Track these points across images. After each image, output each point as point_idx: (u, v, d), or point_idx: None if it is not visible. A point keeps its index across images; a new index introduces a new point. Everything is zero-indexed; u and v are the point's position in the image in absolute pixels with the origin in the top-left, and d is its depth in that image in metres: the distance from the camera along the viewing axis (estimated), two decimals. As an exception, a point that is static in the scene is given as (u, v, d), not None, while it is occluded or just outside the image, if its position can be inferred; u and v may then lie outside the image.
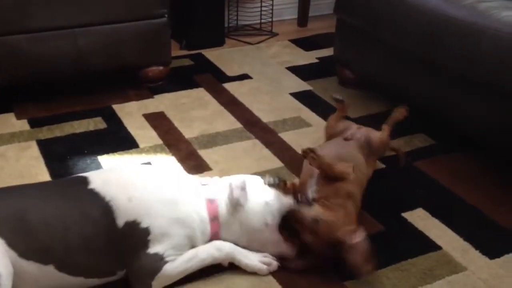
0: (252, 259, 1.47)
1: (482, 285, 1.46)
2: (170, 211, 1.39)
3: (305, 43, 2.98)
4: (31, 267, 1.30)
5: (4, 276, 1.21)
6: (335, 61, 2.55)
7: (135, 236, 1.36)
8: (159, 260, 1.37)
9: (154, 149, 2.01)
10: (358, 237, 1.40)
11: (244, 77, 2.58)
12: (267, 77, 2.59)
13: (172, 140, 2.07)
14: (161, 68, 2.44)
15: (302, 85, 2.52)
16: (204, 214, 1.44)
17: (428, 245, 1.59)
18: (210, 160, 1.95)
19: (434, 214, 1.71)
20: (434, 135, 2.14)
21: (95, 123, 2.16)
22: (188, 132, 2.12)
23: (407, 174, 1.92)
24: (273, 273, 1.47)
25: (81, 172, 1.83)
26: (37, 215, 1.31)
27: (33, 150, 1.98)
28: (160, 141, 2.06)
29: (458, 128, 2.05)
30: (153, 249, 1.37)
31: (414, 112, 2.22)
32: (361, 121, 2.23)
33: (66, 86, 2.42)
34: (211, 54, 2.81)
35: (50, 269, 1.32)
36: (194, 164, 1.93)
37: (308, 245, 1.44)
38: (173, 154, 1.98)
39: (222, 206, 1.47)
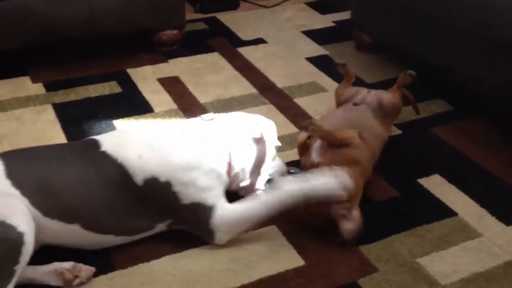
0: (326, 184, 1.38)
1: (498, 251, 1.46)
2: (180, 159, 1.38)
3: (321, 6, 2.92)
4: (55, 225, 1.32)
5: (28, 234, 1.22)
6: (351, 25, 2.51)
7: (160, 190, 1.37)
8: (201, 209, 1.38)
9: (169, 114, 2.00)
10: (354, 216, 1.40)
11: (258, 41, 2.55)
12: (282, 41, 2.56)
13: (187, 105, 2.06)
14: (175, 32, 2.42)
15: (318, 50, 2.49)
16: (215, 150, 1.44)
17: (443, 211, 1.59)
18: (225, 125, 1.94)
19: (450, 180, 1.70)
20: (452, 101, 2.10)
21: (110, 87, 2.16)
22: (203, 97, 2.11)
23: (424, 140, 1.90)
24: (288, 238, 1.48)
25: (97, 136, 1.85)
26: (59, 177, 1.32)
27: (49, 113, 1.99)
28: (175, 106, 2.05)
29: (476, 93, 2.01)
30: (186, 199, 1.38)
31: (431, 77, 2.19)
32: (377, 86, 2.20)
33: (81, 50, 2.41)
34: (225, 18, 2.77)
35: (75, 228, 1.34)
36: (209, 128, 1.92)
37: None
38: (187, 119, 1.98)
39: (232, 143, 1.48)
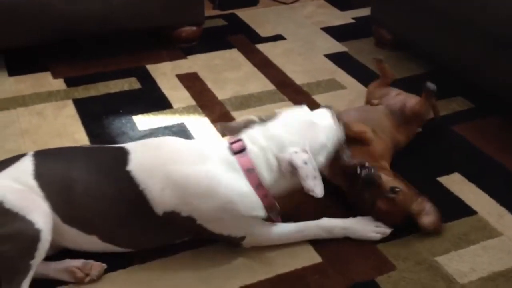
0: (362, 231, 1.45)
1: (518, 251, 1.44)
2: (208, 202, 1.31)
3: (340, 3, 2.91)
4: (74, 232, 1.33)
5: (45, 232, 1.24)
6: (371, 21, 2.49)
7: (181, 221, 1.33)
8: (232, 239, 1.39)
9: (187, 110, 2.01)
10: (429, 208, 1.46)
11: (277, 37, 2.55)
12: (301, 38, 2.55)
13: (205, 101, 2.07)
14: (194, 28, 2.42)
15: (337, 46, 2.48)
16: (246, 189, 1.33)
17: (463, 210, 1.57)
18: (243, 121, 1.95)
19: (470, 178, 1.68)
20: (473, 99, 2.08)
21: (130, 83, 2.17)
22: (221, 93, 2.12)
23: (444, 138, 1.88)
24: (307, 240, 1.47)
25: (117, 132, 1.88)
26: (82, 186, 1.31)
27: (70, 109, 2.01)
28: (193, 102, 2.06)
29: (496, 91, 1.98)
30: (216, 230, 1.36)
31: (451, 75, 2.16)
32: (397, 82, 2.18)
33: (101, 46, 2.43)
34: (244, 14, 2.78)
35: (94, 239, 1.35)
36: (227, 125, 1.93)
37: (380, 211, 1.45)
38: (206, 115, 1.99)
39: (263, 172, 1.35)
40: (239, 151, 1.35)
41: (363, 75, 2.23)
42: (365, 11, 2.72)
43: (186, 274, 1.37)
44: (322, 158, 1.41)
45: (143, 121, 1.95)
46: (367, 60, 2.33)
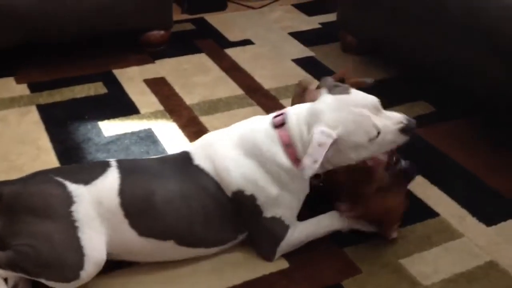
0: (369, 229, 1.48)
1: (479, 251, 1.48)
2: (261, 176, 1.36)
3: (308, 8, 2.94)
4: (149, 244, 1.33)
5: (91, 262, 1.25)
6: (338, 27, 2.52)
7: (245, 203, 1.37)
8: (280, 225, 1.40)
9: (155, 115, 2.00)
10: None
11: (246, 42, 2.56)
12: (270, 42, 2.57)
13: (173, 106, 2.06)
14: (162, 32, 2.41)
15: (305, 51, 2.50)
16: (286, 163, 1.35)
17: (426, 212, 1.60)
18: (211, 127, 1.95)
19: (433, 181, 1.72)
20: (435, 103, 2.12)
21: (96, 88, 2.15)
22: (189, 98, 2.11)
23: (407, 141, 1.91)
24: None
25: (83, 138, 1.85)
26: (162, 195, 1.32)
27: (33, 114, 1.98)
28: (161, 107, 2.05)
29: (459, 94, 2.03)
30: (269, 212, 1.38)
31: (415, 79, 2.21)
32: (362, 88, 2.21)
33: (66, 50, 2.40)
34: (213, 19, 2.78)
35: (169, 244, 1.34)
36: (195, 130, 1.93)
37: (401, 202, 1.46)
38: (174, 121, 1.98)
39: (299, 147, 1.34)
40: (280, 124, 1.37)
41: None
42: (331, 17, 2.75)
43: (152, 280, 1.36)
44: (353, 155, 1.32)
45: (109, 127, 1.93)
46: (334, 64, 2.36)
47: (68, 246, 1.23)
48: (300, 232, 1.43)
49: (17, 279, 1.29)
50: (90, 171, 1.33)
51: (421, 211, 1.61)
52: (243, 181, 1.36)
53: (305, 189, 1.42)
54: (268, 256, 1.43)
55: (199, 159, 1.39)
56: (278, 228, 1.40)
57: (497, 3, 1.72)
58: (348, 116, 1.29)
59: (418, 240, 1.50)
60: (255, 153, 1.37)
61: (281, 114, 1.40)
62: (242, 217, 1.40)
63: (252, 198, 1.37)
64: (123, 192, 1.30)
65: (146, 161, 1.42)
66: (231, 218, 1.39)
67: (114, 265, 1.38)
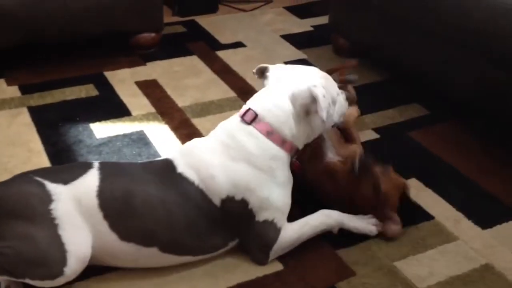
0: (360, 222, 1.48)
1: (474, 254, 1.48)
2: (252, 177, 1.36)
3: (300, 11, 2.94)
4: (132, 249, 1.31)
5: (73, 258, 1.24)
6: (330, 29, 2.52)
7: (236, 209, 1.35)
8: (273, 228, 1.38)
9: (146, 117, 1.99)
10: (397, 218, 1.53)
11: (237, 45, 2.55)
12: (261, 45, 2.56)
13: (165, 108, 2.05)
14: (153, 34, 2.40)
15: (297, 54, 2.50)
16: (274, 150, 1.38)
17: (420, 215, 1.60)
18: (203, 129, 1.93)
19: (427, 184, 1.72)
20: (428, 105, 2.13)
21: (87, 90, 2.13)
22: (181, 100, 2.10)
23: (400, 144, 1.92)
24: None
25: (74, 140, 1.84)
26: (141, 198, 1.30)
27: (24, 116, 1.95)
28: (153, 109, 2.04)
29: (451, 97, 2.04)
30: (261, 216, 1.37)
31: (408, 82, 2.21)
32: (355, 90, 2.22)
33: (57, 52, 2.38)
34: (204, 21, 2.77)
35: (153, 251, 1.32)
36: (187, 132, 1.91)
37: (383, 193, 1.47)
38: (166, 123, 1.96)
39: (283, 129, 1.39)
40: (253, 119, 1.39)
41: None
42: (323, 19, 2.76)
43: (145, 284, 1.35)
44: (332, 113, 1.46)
45: (101, 129, 1.91)
46: (326, 67, 2.35)
47: (49, 244, 1.22)
48: (292, 233, 1.42)
49: (8, 282, 1.27)
50: (71, 172, 1.32)
51: (415, 214, 1.60)
52: (231, 186, 1.35)
53: (290, 178, 1.43)
54: (261, 261, 1.41)
55: (183, 167, 1.36)
56: (271, 232, 1.39)
57: (487, 3, 1.73)
58: (322, 76, 1.45)
59: (413, 243, 1.50)
60: (242, 155, 1.36)
61: (247, 110, 1.41)
62: (232, 224, 1.38)
63: (243, 203, 1.36)
64: (102, 193, 1.29)
65: (128, 165, 1.41)
66: (220, 226, 1.37)
67: (105, 269, 1.36)
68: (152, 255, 1.33)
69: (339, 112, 1.51)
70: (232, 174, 1.35)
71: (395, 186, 1.50)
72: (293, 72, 1.46)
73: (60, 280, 1.24)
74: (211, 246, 1.39)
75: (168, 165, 1.38)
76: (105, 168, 1.34)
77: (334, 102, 1.46)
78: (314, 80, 1.41)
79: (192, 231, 1.34)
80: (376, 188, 1.46)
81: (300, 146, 1.46)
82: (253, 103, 1.44)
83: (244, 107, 1.44)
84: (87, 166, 1.34)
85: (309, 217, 1.45)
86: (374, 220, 1.50)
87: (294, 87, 1.41)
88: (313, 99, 1.37)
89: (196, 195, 1.34)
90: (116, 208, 1.29)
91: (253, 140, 1.38)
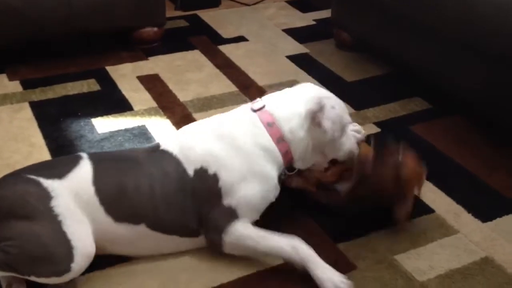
0: (327, 274, 1.31)
1: (474, 247, 1.47)
2: (229, 154, 1.36)
3: (302, 5, 2.93)
4: (125, 229, 1.32)
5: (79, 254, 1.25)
6: (332, 24, 2.51)
7: (206, 183, 1.35)
8: (231, 214, 1.35)
9: (148, 112, 1.99)
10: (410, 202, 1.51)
11: (240, 39, 2.55)
12: (264, 39, 2.56)
13: (167, 103, 2.05)
14: (155, 29, 2.40)
15: (299, 48, 2.49)
16: (267, 142, 1.39)
17: (421, 208, 1.60)
18: (205, 123, 1.94)
19: (428, 177, 1.71)
20: (431, 99, 2.12)
21: (89, 85, 2.13)
22: (183, 95, 2.10)
23: (402, 138, 1.91)
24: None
25: (76, 135, 1.85)
26: (130, 179, 1.34)
27: (26, 111, 1.96)
28: (154, 104, 2.04)
29: (453, 91, 2.03)
30: (226, 200, 1.36)
31: (410, 76, 2.21)
32: (357, 84, 2.22)
33: (59, 47, 2.38)
34: (206, 15, 2.76)
35: (142, 229, 1.34)
36: (189, 127, 1.92)
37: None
38: (168, 117, 1.97)
39: (284, 125, 1.40)
40: (260, 108, 1.42)
41: (324, 76, 2.25)
42: (326, 13, 2.75)
43: (147, 278, 1.35)
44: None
45: (103, 124, 1.91)
46: (328, 61, 2.36)
47: (54, 241, 1.23)
48: (246, 234, 1.35)
49: (10, 279, 1.28)
50: (62, 165, 1.33)
51: (416, 207, 1.60)
52: (207, 157, 1.36)
53: (274, 182, 1.40)
54: (215, 241, 1.37)
55: (165, 145, 1.41)
56: (226, 217, 1.35)
57: (489, 2, 1.72)
58: (339, 101, 1.48)
59: (414, 236, 1.50)
60: (228, 134, 1.39)
61: (258, 101, 1.45)
62: (201, 200, 1.36)
63: (214, 178, 1.35)
64: (97, 180, 1.31)
65: (115, 151, 1.45)
66: (192, 201, 1.35)
67: (106, 264, 1.37)
68: (144, 235, 1.34)
69: (346, 145, 1.47)
70: (210, 147, 1.38)
71: (415, 172, 1.49)
72: (316, 88, 1.50)
73: (67, 277, 1.24)
74: (192, 229, 1.38)
75: (154, 145, 1.44)
76: (94, 157, 1.36)
77: (342, 128, 1.44)
78: (330, 96, 1.46)
79: (170, 207, 1.35)
80: (398, 166, 1.45)
81: (296, 158, 1.42)
82: (267, 96, 1.48)
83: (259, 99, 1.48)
84: (77, 158, 1.35)
85: (276, 236, 1.36)
86: (342, 280, 1.30)
87: (309, 94, 1.45)
88: (321, 108, 1.38)
89: (173, 166, 1.36)
90: (109, 192, 1.31)
91: (249, 126, 1.40)
